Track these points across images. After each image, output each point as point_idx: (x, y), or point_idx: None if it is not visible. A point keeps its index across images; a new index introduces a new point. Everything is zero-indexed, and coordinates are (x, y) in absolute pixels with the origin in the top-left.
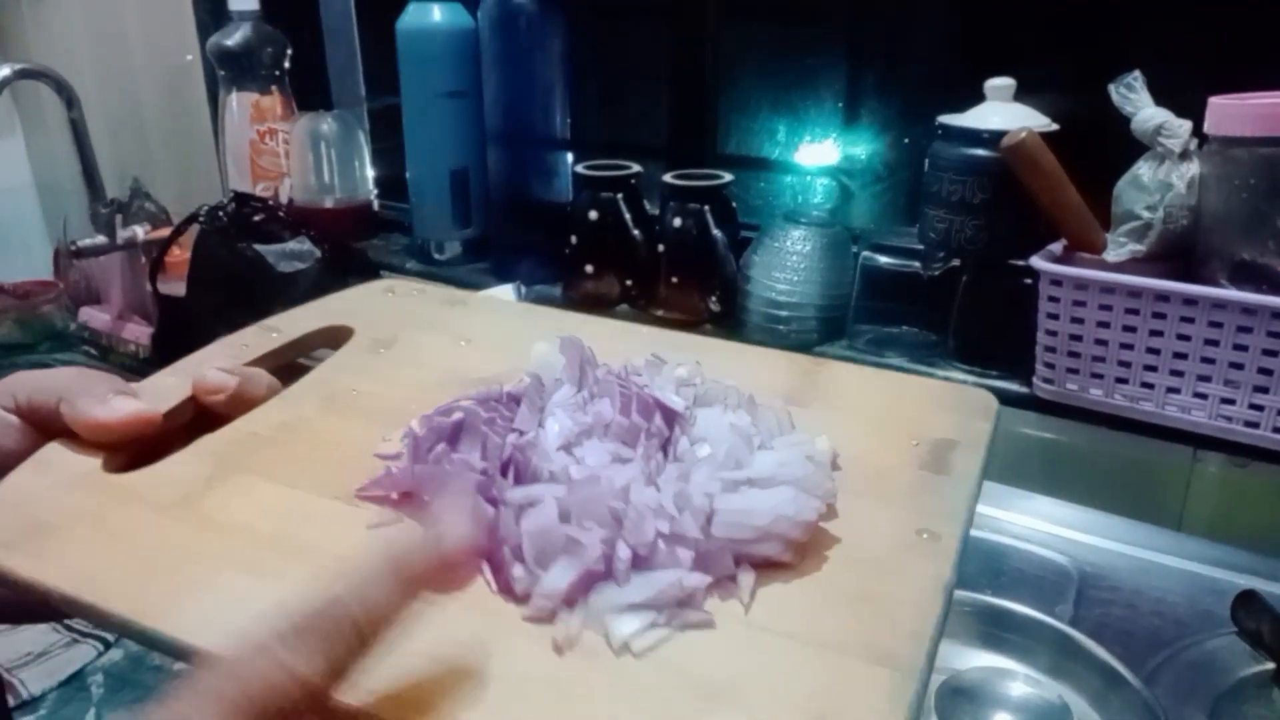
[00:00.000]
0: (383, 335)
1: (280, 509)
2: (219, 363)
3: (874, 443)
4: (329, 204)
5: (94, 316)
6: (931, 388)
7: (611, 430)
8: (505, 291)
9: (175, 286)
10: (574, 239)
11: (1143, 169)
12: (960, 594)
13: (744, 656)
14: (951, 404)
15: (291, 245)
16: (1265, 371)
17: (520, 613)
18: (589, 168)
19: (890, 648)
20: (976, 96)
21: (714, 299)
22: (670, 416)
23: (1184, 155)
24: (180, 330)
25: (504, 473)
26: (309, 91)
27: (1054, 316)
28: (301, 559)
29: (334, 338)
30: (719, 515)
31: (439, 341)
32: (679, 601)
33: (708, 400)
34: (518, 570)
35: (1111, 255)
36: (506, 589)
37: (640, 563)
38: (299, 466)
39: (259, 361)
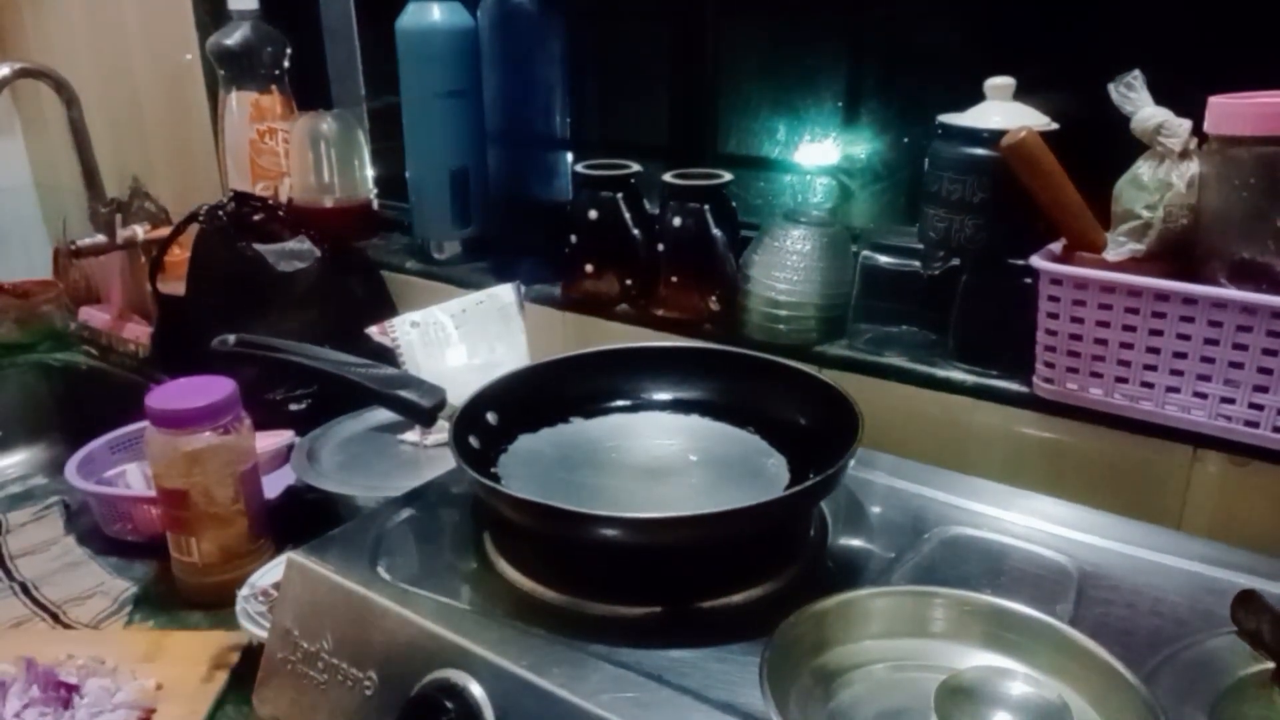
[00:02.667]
0: None
1: None
2: None
3: None
4: (329, 203)
5: (94, 316)
6: None
7: None
8: (505, 291)
9: (175, 286)
10: (574, 238)
11: (1142, 168)
12: (960, 593)
13: None
14: None
15: (291, 245)
16: (1265, 371)
17: None
18: (589, 167)
19: None
20: (976, 96)
21: (714, 298)
22: None
23: (1184, 154)
24: (180, 330)
25: None
26: (309, 91)
27: (1054, 316)
28: None
29: None
30: None
31: None
32: None
33: None
34: None
35: (1111, 254)
36: None
37: None
38: None
39: None
